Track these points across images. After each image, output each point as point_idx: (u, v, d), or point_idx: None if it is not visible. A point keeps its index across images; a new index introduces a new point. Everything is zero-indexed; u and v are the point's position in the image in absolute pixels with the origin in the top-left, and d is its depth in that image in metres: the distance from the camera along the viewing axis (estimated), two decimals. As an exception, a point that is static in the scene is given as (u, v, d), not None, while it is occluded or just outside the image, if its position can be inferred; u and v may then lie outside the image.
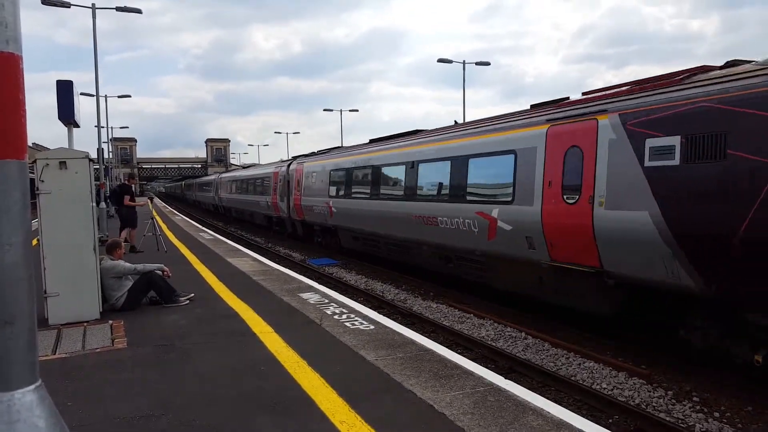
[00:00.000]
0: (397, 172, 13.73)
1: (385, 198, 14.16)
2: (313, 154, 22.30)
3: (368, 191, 15.09)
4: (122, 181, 17.84)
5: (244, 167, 42.48)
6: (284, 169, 23.92)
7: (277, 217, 25.29)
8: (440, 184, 11.79)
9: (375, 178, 14.93)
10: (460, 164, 11.03)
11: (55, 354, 5.91)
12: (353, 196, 16.15)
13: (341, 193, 17.12)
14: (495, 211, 9.71)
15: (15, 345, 2.00)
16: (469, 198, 10.60)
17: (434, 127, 14.23)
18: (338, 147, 21.04)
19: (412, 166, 12.88)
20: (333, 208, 17.57)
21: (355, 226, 16.21)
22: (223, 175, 44.17)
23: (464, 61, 33.32)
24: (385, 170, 14.54)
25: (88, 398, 4.63)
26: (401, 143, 14.06)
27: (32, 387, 2.04)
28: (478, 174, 10.59)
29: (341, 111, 52.23)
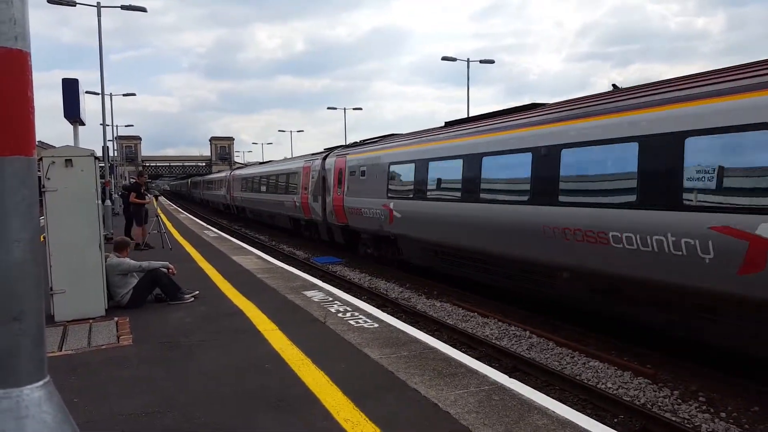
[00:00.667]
0: (515, 164, 9.60)
1: (488, 200, 10.21)
2: (356, 144, 18.52)
3: (458, 191, 11.19)
4: (134, 179, 17.80)
5: (261, 163, 36.42)
6: (318, 162, 19.75)
7: (308, 220, 21.19)
8: (613, 181, 7.82)
9: (470, 172, 10.80)
10: (665, 148, 6.95)
11: (61, 351, 5.94)
12: (430, 197, 12.25)
13: (408, 192, 13.16)
14: (765, 227, 5.92)
15: (24, 341, 2.00)
16: (689, 202, 6.64)
17: (560, 99, 10.59)
18: (394, 134, 16.80)
19: (545, 154, 8.83)
20: (394, 212, 13.67)
21: (432, 237, 12.33)
22: (237, 171, 38.95)
23: (468, 59, 33.30)
24: (490, 161, 10.29)
25: (94, 395, 4.65)
26: (516, 122, 9.99)
27: (41, 383, 2.04)
28: (713, 162, 6.45)
29: (345, 109, 52.04)
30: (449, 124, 13.21)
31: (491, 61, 34.71)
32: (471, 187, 10.75)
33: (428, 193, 12.37)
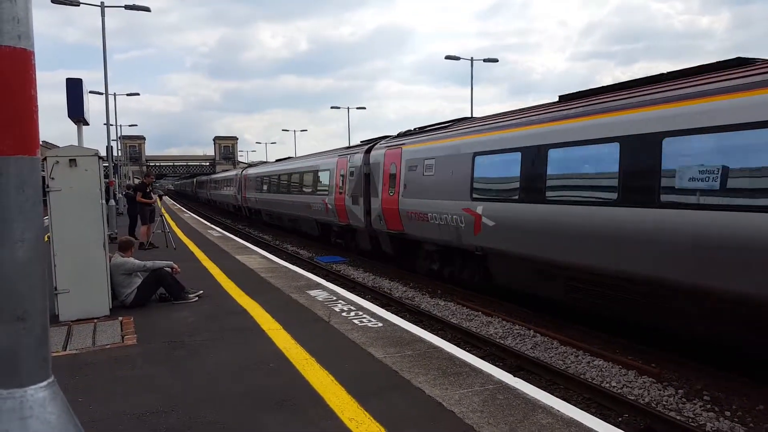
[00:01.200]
0: (746, 146, 6.21)
1: (681, 205, 6.74)
2: (413, 132, 14.70)
3: (613, 190, 7.64)
4: (138, 179, 17.85)
5: (279, 160, 32.06)
6: (359, 156, 16.54)
7: (344, 226, 17.95)
8: None
9: (638, 162, 7.34)
10: None
11: (65, 350, 5.95)
12: (553, 198, 8.62)
13: (511, 193, 9.63)
14: None
15: (28, 341, 2.00)
16: None
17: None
18: (470, 117, 13.42)
19: None
20: (484, 219, 10.26)
21: (553, 257, 8.76)
22: (251, 170, 35.24)
23: (472, 58, 33.23)
24: (682, 145, 6.83)
25: (99, 394, 4.66)
26: (737, 81, 6.38)
27: (45, 383, 2.04)
28: None
29: (348, 108, 51.95)
30: (566, 99, 9.42)
31: (495, 60, 34.60)
32: (643, 183, 7.27)
33: (550, 193, 8.75)
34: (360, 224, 16.35)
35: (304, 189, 21.71)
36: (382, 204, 14.50)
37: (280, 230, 27.51)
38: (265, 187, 28.87)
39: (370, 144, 16.55)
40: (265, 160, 56.29)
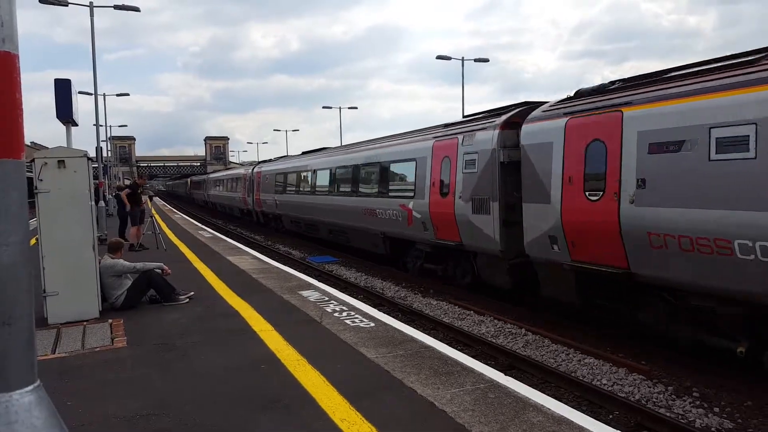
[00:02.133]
0: None
1: None
2: (617, 87, 8.03)
3: None
4: (129, 180, 17.79)
5: (306, 153, 24.32)
6: (487, 135, 10.35)
7: (449, 246, 11.69)
8: None
9: None
10: None
11: (54, 353, 5.91)
12: None
13: None
14: None
15: (13, 345, 2.00)
16: None
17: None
18: None
19: None
20: None
21: None
22: (267, 165, 28.37)
23: (463, 57, 33.30)
24: None
25: (88, 398, 4.63)
26: None
27: (31, 387, 2.03)
28: None
29: (340, 108, 51.88)
30: None
31: (485, 60, 34.66)
32: None
33: None
34: (489, 246, 10.31)
35: (363, 189, 15.64)
36: (564, 215, 8.40)
37: (309, 241, 21.95)
38: (292, 187, 22.41)
39: (508, 114, 10.24)
40: (256, 158, 53.19)
